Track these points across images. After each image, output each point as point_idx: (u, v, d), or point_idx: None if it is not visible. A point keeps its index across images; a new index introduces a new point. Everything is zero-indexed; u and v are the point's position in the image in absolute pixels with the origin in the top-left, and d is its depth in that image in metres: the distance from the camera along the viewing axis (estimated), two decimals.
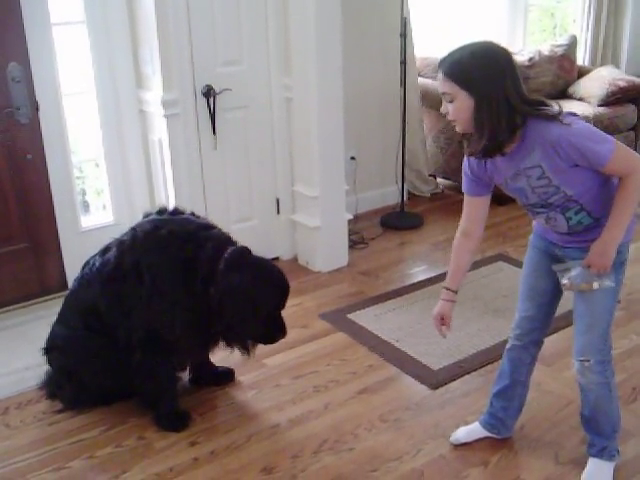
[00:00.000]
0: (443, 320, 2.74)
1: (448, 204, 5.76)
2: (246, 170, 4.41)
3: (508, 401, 2.92)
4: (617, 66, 6.94)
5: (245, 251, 3.05)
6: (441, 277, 4.36)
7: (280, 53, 4.30)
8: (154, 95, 4.00)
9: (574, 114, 2.36)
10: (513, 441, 3.01)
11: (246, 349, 3.09)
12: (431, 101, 5.74)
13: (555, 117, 2.27)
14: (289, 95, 4.37)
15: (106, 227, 4.32)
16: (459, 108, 2.29)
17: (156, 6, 3.78)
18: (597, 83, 6.25)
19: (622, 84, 6.19)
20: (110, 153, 4.27)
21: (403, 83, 5.08)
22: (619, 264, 2.50)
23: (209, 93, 4.05)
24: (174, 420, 3.14)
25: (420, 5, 5.79)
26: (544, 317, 2.77)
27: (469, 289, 4.29)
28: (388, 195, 5.62)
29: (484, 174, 2.52)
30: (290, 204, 4.63)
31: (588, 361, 2.60)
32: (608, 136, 2.32)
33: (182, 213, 3.19)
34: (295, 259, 4.72)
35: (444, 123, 5.77)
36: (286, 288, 3.07)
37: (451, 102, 2.31)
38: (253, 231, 4.53)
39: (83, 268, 3.24)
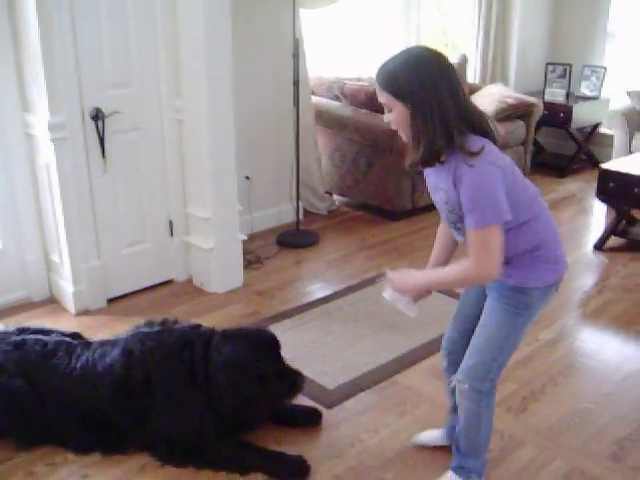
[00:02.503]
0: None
1: (344, 220, 5.82)
2: (138, 193, 4.35)
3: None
4: (506, 84, 7.18)
5: (229, 329, 3.12)
6: (336, 295, 4.47)
7: (171, 75, 4.26)
8: (40, 118, 3.90)
9: (495, 161, 2.22)
10: (407, 458, 3.04)
11: (254, 416, 3.10)
12: (325, 120, 5.81)
13: (472, 154, 2.18)
14: (180, 117, 4.33)
15: None
16: (397, 118, 2.26)
17: (40, 27, 3.68)
18: (487, 100, 6.44)
19: (511, 101, 6.41)
20: None
21: (296, 103, 5.11)
22: (524, 306, 2.45)
23: (98, 116, 3.98)
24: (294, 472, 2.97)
25: (313, 26, 5.85)
26: (466, 343, 2.64)
27: (364, 305, 4.33)
28: (284, 213, 5.64)
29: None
30: (184, 226, 4.59)
31: (464, 384, 2.58)
32: (501, 212, 2.20)
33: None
34: (190, 281, 4.68)
35: (338, 141, 5.85)
36: (274, 343, 3.08)
37: (390, 112, 2.28)
38: (146, 254, 4.47)
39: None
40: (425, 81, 2.17)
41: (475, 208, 2.20)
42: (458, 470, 2.79)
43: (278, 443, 3.13)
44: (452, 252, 2.70)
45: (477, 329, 2.56)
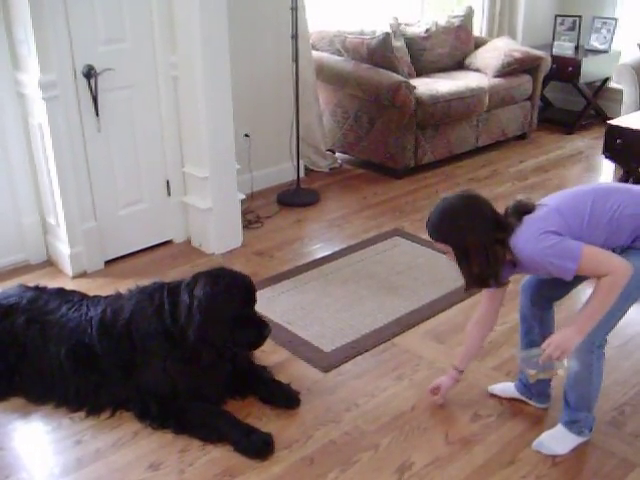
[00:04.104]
0: (437, 389, 3.07)
1: (346, 179, 5.74)
2: (133, 152, 4.27)
3: None
4: (513, 37, 7.00)
5: (201, 274, 3.05)
6: (336, 255, 4.39)
7: (165, 30, 4.15)
8: (31, 77, 3.81)
9: (531, 238, 2.48)
10: (404, 423, 3.01)
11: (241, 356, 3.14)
12: (327, 75, 5.70)
13: (513, 256, 2.53)
14: (175, 73, 4.24)
15: None
16: (455, 259, 2.59)
17: None
18: (493, 54, 6.30)
19: (517, 55, 6.25)
20: None
21: (295, 58, 4.99)
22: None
23: (90, 73, 3.88)
24: (254, 449, 2.88)
25: None
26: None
27: (363, 266, 4.28)
28: (285, 172, 5.54)
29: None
30: (181, 186, 4.52)
31: None
32: (574, 248, 2.42)
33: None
34: (188, 241, 4.63)
35: (340, 97, 5.74)
36: (248, 286, 3.05)
37: (449, 255, 2.61)
38: (143, 214, 4.41)
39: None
40: (461, 226, 2.54)
41: (556, 261, 2.44)
42: (570, 425, 2.83)
43: (272, 409, 3.10)
44: (478, 350, 3.09)
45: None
